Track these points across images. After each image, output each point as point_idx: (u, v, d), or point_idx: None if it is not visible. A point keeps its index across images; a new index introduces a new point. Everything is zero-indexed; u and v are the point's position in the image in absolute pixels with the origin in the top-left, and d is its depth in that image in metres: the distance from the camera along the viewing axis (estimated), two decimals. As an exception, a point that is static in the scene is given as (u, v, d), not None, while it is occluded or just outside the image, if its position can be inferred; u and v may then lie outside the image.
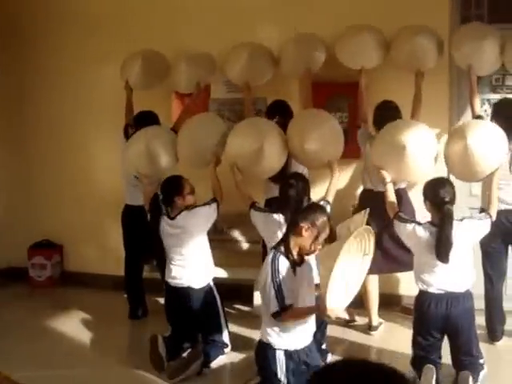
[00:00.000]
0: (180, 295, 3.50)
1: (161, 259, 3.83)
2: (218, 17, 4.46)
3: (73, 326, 4.10)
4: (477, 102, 3.72)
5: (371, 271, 3.24)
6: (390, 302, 4.18)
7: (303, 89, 3.95)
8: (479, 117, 3.68)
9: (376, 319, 3.91)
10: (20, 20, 5.06)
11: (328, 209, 3.24)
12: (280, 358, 2.75)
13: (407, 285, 4.07)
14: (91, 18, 4.86)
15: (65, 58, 4.96)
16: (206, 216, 3.50)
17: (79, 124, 5.03)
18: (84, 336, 3.93)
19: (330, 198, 3.39)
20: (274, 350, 2.75)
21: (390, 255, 3.70)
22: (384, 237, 3.59)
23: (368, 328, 3.90)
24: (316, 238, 2.75)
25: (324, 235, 2.79)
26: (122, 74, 4.31)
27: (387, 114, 3.69)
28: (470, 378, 2.93)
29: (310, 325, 2.84)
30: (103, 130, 4.90)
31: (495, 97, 4.17)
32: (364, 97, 3.86)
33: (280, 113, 3.91)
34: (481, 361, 3.07)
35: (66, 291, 5.01)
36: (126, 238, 4.31)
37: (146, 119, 4.04)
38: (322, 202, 3.30)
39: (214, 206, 3.49)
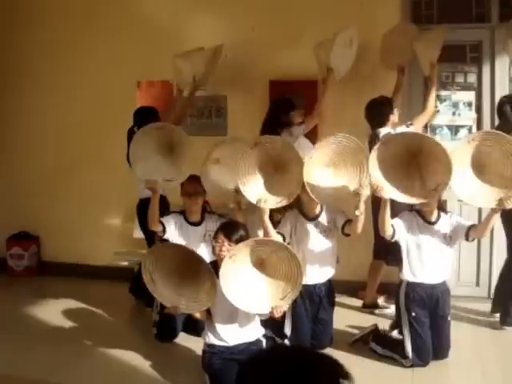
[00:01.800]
0: None
1: None
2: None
3: (50, 312, 4.23)
4: None
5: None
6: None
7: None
8: None
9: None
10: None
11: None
12: (206, 352, 3.00)
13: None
14: (65, 19, 4.97)
15: (35, 54, 5.09)
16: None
17: (55, 118, 5.14)
18: (61, 322, 4.07)
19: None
20: (205, 344, 3.03)
21: None
22: None
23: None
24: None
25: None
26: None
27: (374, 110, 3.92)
28: None
29: (236, 325, 2.97)
30: (80, 122, 5.01)
31: (446, 93, 4.36)
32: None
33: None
34: None
35: (43, 280, 5.15)
36: (143, 230, 4.30)
37: (146, 115, 4.11)
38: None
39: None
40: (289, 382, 0.93)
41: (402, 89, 4.08)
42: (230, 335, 2.96)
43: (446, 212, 3.35)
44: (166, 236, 3.58)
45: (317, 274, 3.36)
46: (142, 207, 4.20)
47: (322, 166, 3.20)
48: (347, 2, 4.31)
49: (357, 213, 3.12)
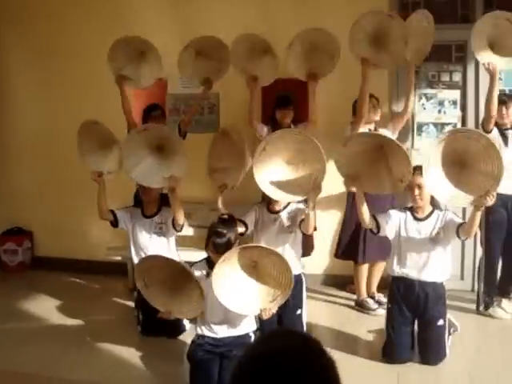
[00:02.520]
0: None
1: None
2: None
3: (44, 307, 4.30)
4: None
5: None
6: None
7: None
8: None
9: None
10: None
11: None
12: (194, 342, 3.06)
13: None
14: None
15: (26, 55, 5.15)
16: None
17: (48, 115, 5.21)
18: (55, 316, 4.14)
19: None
20: (196, 335, 3.08)
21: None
22: None
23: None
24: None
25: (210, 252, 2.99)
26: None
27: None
28: None
29: (228, 321, 2.99)
30: (74, 120, 4.99)
31: (432, 92, 4.48)
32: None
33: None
34: None
35: (36, 275, 5.22)
36: None
37: (151, 110, 4.19)
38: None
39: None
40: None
41: (412, 86, 3.91)
42: (221, 329, 3.01)
43: (440, 209, 3.33)
44: (120, 227, 3.77)
45: None
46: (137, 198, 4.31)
47: (277, 161, 3.21)
48: (337, 3, 4.40)
49: (307, 210, 3.19)
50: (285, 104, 4.09)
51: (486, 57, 3.60)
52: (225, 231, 2.99)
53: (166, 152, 3.55)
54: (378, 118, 4.04)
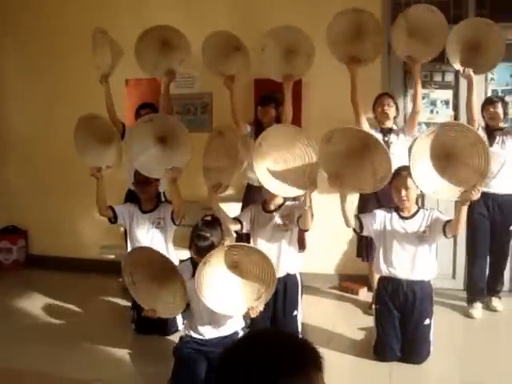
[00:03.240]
0: None
1: None
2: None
3: (38, 306, 4.32)
4: None
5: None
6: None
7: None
8: None
9: None
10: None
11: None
12: (182, 339, 3.07)
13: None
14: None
15: (22, 54, 5.16)
16: None
17: (44, 115, 5.23)
18: (49, 315, 4.16)
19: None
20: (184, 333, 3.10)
21: None
22: None
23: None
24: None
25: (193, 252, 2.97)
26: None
27: None
28: None
29: (215, 322, 2.98)
30: (68, 119, 4.98)
31: (424, 92, 4.46)
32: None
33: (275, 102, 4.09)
34: None
35: (30, 273, 5.25)
36: None
37: (143, 108, 4.24)
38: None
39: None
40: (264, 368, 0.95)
41: (419, 81, 3.72)
42: (208, 330, 3.00)
43: (426, 208, 3.33)
44: (119, 223, 3.76)
45: None
46: (128, 197, 4.32)
47: (273, 157, 3.19)
48: (331, 3, 4.40)
49: (305, 207, 3.15)
50: (264, 102, 4.09)
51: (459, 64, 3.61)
52: (208, 234, 2.94)
53: (170, 143, 3.52)
54: (390, 125, 3.95)
